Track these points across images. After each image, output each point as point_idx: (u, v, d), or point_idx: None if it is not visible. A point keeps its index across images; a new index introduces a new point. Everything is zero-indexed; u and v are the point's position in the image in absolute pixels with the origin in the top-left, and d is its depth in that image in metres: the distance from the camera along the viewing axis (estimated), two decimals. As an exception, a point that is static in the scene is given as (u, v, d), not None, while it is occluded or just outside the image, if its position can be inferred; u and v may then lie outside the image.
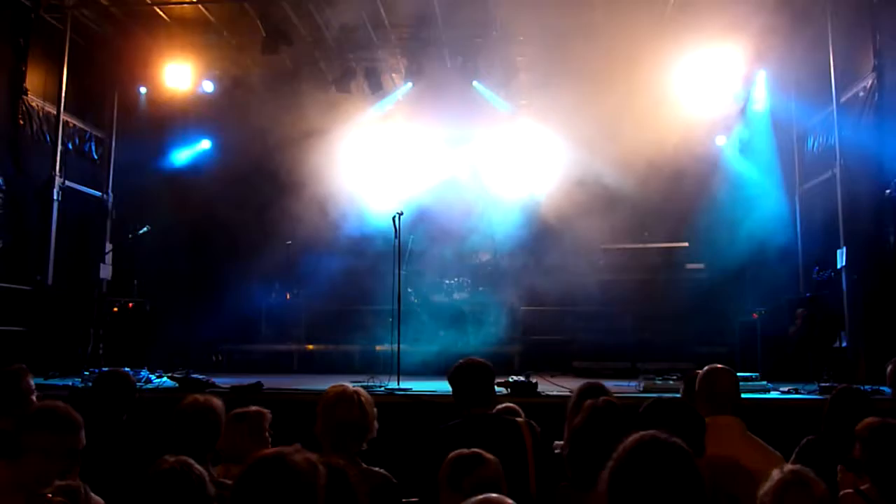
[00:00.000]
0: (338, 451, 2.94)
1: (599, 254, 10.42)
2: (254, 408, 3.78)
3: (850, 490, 2.86)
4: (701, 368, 3.59)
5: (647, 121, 9.91)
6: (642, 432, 1.85)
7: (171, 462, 2.17)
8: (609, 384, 7.22)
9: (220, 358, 10.43)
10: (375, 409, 3.13)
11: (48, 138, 9.52)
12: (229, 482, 2.89)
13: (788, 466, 2.41)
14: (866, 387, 6.68)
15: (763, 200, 10.25)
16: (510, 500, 1.88)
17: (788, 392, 6.56)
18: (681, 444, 1.83)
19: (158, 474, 2.16)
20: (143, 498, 2.13)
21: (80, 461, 2.67)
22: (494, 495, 1.88)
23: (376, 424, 3.13)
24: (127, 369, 7.57)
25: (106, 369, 5.92)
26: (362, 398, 3.08)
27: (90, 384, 3.82)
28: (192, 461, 2.21)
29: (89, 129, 10.66)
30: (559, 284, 10.46)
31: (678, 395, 5.37)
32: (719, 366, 3.35)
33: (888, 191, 7.71)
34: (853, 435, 3.03)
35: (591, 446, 2.84)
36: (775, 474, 2.34)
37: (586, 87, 9.89)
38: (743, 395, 6.05)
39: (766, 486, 2.34)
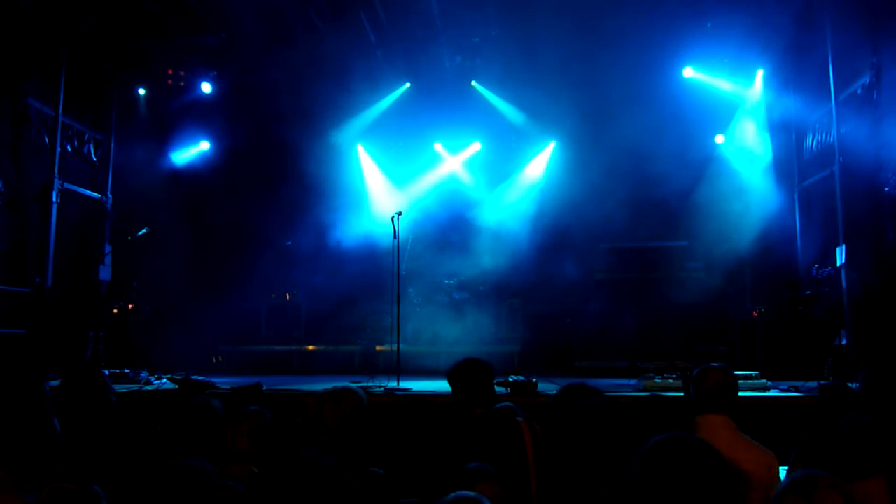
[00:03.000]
0: (333, 452, 2.94)
1: (599, 253, 10.43)
2: (253, 408, 3.79)
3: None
4: (701, 367, 3.58)
5: (646, 119, 9.92)
6: (666, 433, 1.84)
7: (180, 466, 2.17)
8: (609, 383, 7.30)
9: (220, 359, 10.43)
10: (368, 410, 3.14)
11: (47, 140, 9.51)
12: (228, 483, 2.89)
13: (805, 470, 2.36)
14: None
15: (762, 198, 10.25)
16: (485, 500, 1.88)
17: (788, 390, 6.56)
18: (707, 443, 1.82)
19: (169, 476, 2.15)
20: (156, 499, 2.13)
21: (58, 452, 2.69)
22: (471, 494, 1.89)
23: (369, 425, 3.13)
24: (127, 370, 7.68)
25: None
26: (357, 399, 3.08)
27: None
28: (199, 467, 2.21)
29: (88, 131, 10.65)
30: (559, 284, 10.46)
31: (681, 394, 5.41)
32: (712, 364, 3.34)
33: (887, 188, 7.71)
34: (841, 430, 3.03)
35: (592, 444, 2.84)
36: (790, 478, 2.30)
37: (586, 87, 9.91)
38: (743, 394, 6.09)
39: (779, 488, 2.31)
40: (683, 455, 1.75)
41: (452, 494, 1.88)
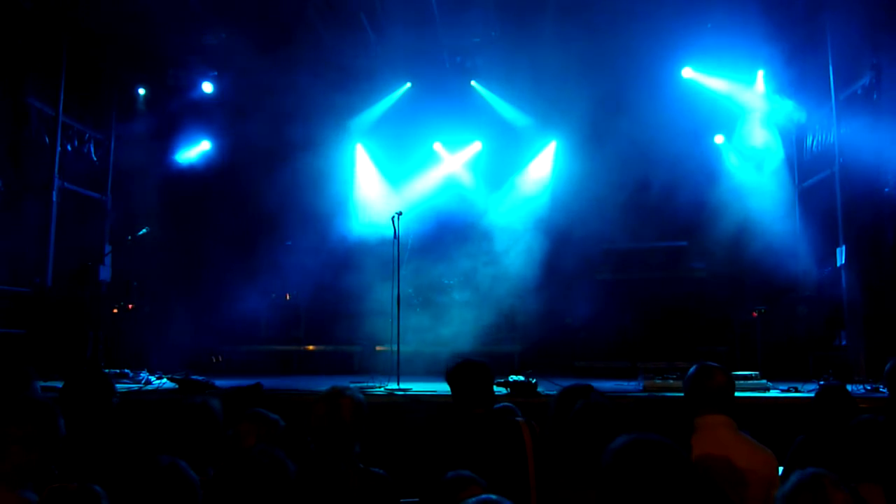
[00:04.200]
0: (332, 452, 2.94)
1: (599, 253, 10.42)
2: (273, 415, 3.76)
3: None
4: (698, 366, 3.57)
5: (646, 119, 9.93)
6: (631, 434, 1.86)
7: (162, 465, 2.16)
8: (609, 384, 7.30)
9: (220, 359, 10.42)
10: (368, 410, 3.14)
11: (47, 140, 9.52)
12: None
13: (810, 469, 2.34)
14: (867, 385, 6.70)
15: (762, 198, 10.25)
16: (508, 501, 1.88)
17: (788, 391, 6.57)
18: (670, 442, 1.84)
19: (147, 475, 2.15)
20: (132, 499, 2.12)
21: (59, 451, 2.70)
22: (494, 496, 1.89)
23: (369, 425, 3.13)
24: (127, 371, 7.68)
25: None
26: (353, 398, 3.08)
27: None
28: (184, 465, 2.20)
29: (88, 131, 10.65)
30: (559, 284, 10.46)
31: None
32: (710, 364, 3.34)
33: (887, 189, 7.71)
34: (841, 432, 3.03)
35: (586, 444, 2.84)
36: (795, 477, 2.28)
37: (586, 86, 9.90)
38: (743, 394, 6.11)
39: (784, 487, 2.29)
40: (646, 457, 1.77)
41: (474, 498, 1.89)
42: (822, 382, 6.56)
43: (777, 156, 10.52)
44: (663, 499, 1.72)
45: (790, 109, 10.16)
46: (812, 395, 6.01)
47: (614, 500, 1.76)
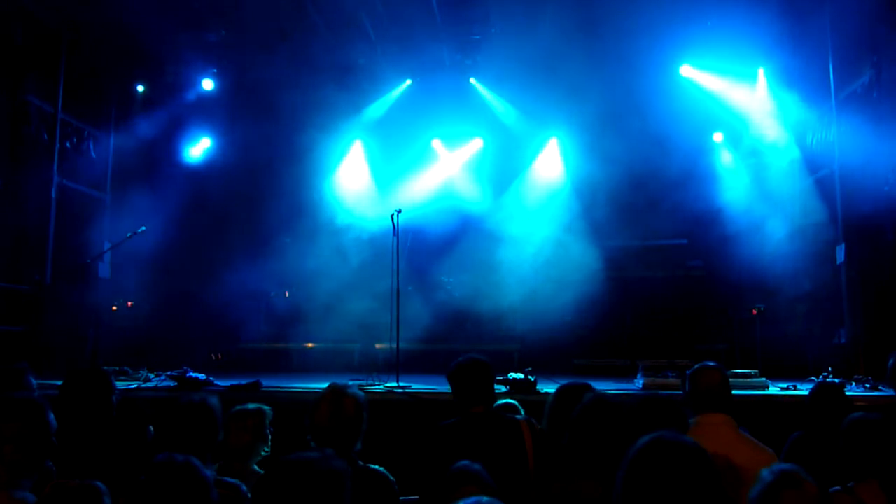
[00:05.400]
0: (333, 450, 2.94)
1: (599, 251, 10.42)
2: (254, 405, 3.79)
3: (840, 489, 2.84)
4: (697, 366, 3.58)
5: (646, 117, 9.91)
6: (651, 435, 1.83)
7: (177, 462, 2.15)
8: (608, 381, 7.30)
9: (219, 357, 10.42)
10: (368, 408, 3.14)
11: (46, 137, 9.50)
12: (229, 480, 2.90)
13: (779, 466, 2.33)
14: (866, 384, 6.70)
15: (760, 196, 10.24)
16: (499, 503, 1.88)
17: (787, 389, 6.58)
18: (692, 442, 1.82)
19: (162, 473, 2.14)
20: (146, 497, 2.12)
21: (51, 448, 2.69)
22: (486, 499, 1.89)
23: (368, 423, 3.13)
24: (127, 368, 7.68)
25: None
26: (354, 396, 3.08)
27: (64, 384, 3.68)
28: (198, 462, 2.20)
29: (88, 128, 10.63)
30: (559, 282, 10.45)
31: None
32: (709, 363, 3.35)
33: (887, 187, 7.70)
34: (837, 430, 3.04)
35: (588, 439, 2.84)
36: (765, 475, 2.27)
37: (586, 84, 9.89)
38: (742, 392, 6.12)
39: (757, 487, 2.27)
40: (671, 457, 1.75)
41: (470, 499, 1.88)
42: (819, 381, 6.57)
43: (776, 153, 10.50)
44: (688, 499, 1.70)
45: (790, 107, 10.14)
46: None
47: (636, 500, 1.74)
